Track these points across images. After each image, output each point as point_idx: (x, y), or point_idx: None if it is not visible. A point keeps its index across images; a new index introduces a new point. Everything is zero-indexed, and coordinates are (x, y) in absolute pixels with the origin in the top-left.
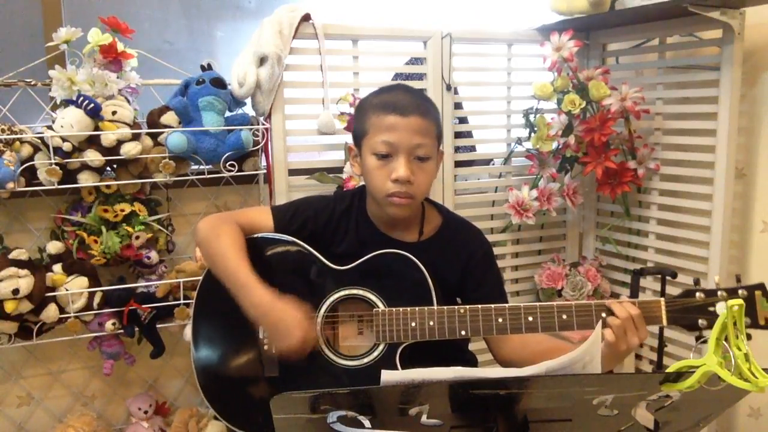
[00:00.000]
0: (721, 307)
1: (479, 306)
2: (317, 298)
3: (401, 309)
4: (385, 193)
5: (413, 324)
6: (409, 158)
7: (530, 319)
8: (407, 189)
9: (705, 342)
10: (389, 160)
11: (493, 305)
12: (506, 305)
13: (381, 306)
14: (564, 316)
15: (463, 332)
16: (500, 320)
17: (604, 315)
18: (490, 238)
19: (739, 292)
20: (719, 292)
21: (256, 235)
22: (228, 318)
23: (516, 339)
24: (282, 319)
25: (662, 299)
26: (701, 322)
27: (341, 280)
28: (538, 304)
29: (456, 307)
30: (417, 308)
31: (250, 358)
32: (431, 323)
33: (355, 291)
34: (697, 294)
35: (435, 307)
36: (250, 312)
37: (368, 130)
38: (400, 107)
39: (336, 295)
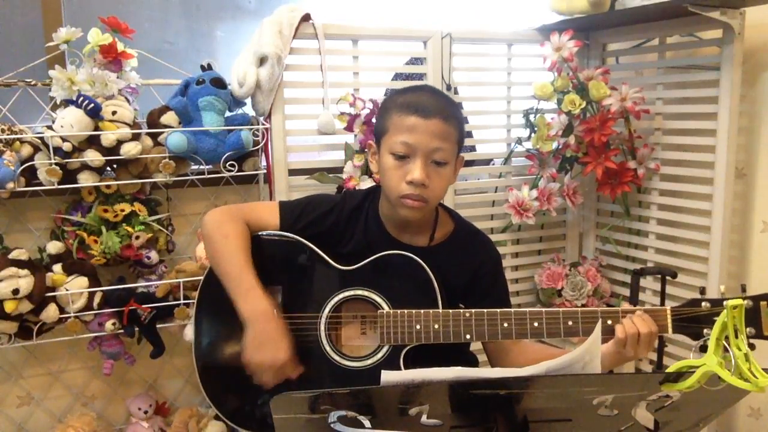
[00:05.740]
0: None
1: (485, 310)
2: (322, 297)
3: (406, 311)
4: (399, 194)
5: (418, 327)
6: (426, 161)
7: (536, 324)
8: (421, 192)
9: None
10: (406, 161)
11: (498, 310)
12: (512, 310)
13: (386, 308)
14: (570, 323)
15: (468, 336)
16: (505, 325)
17: (609, 322)
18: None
19: (745, 302)
20: (725, 302)
21: (261, 233)
22: (230, 317)
23: (515, 351)
24: (273, 335)
25: (668, 308)
26: (706, 331)
27: (346, 281)
28: (544, 309)
29: (461, 310)
30: (422, 311)
31: None
32: (436, 326)
33: (359, 292)
34: (703, 303)
35: (440, 311)
36: (245, 315)
37: (388, 128)
38: (423, 109)
39: (341, 296)
